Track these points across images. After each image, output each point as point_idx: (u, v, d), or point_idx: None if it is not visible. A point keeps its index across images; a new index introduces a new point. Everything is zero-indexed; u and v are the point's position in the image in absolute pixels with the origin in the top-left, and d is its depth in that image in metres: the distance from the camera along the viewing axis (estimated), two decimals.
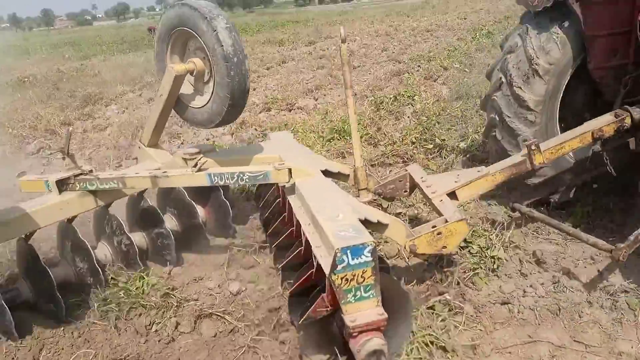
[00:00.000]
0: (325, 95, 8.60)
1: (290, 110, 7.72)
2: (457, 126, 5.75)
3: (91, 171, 3.11)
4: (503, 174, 2.87)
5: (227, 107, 3.00)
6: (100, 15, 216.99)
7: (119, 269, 3.20)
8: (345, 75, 2.97)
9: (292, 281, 2.65)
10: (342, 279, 2.01)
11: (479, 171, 2.89)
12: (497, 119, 3.57)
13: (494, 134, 3.65)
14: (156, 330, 2.78)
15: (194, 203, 3.47)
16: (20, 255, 3.03)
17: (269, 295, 2.97)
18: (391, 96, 7.42)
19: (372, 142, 5.59)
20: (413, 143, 5.37)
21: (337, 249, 1.98)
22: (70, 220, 3.11)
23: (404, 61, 10.74)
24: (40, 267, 2.82)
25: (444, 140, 5.27)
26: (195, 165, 2.91)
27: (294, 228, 2.80)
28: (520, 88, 3.38)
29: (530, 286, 2.85)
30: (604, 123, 3.02)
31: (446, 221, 2.57)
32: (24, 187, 3.22)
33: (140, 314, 2.90)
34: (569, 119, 3.75)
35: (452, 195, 2.83)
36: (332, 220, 2.24)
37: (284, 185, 2.90)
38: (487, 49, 10.95)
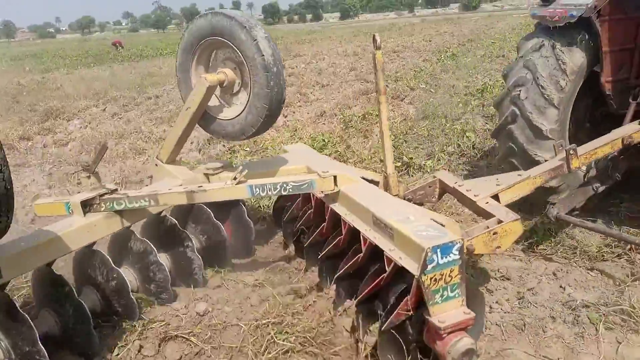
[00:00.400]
0: (294, 112, 8.61)
1: None
2: (424, 145, 5.89)
3: (115, 190, 2.93)
4: (542, 177, 2.95)
5: (264, 118, 2.93)
6: (64, 28, 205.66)
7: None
8: (379, 82, 2.98)
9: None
10: (431, 279, 1.98)
11: (519, 175, 2.95)
12: (529, 77, 3.60)
13: (518, 92, 3.64)
14: (118, 355, 2.60)
15: (218, 221, 3.33)
16: (42, 284, 2.77)
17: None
18: (359, 115, 7.51)
19: (342, 160, 5.58)
20: (381, 161, 5.39)
21: (428, 248, 1.94)
22: (93, 244, 2.90)
23: (372, 81, 10.93)
24: (71, 296, 2.59)
25: (411, 158, 5.35)
26: (235, 178, 2.80)
27: (343, 236, 2.74)
28: (563, 52, 3.50)
29: (496, 302, 2.90)
30: (633, 130, 3.18)
31: (500, 221, 2.59)
32: (39, 211, 3.00)
33: (101, 337, 2.72)
34: (570, 127, 3.92)
35: (495, 198, 2.86)
36: (406, 222, 2.21)
37: (326, 195, 2.85)
38: (452, 71, 11.39)
